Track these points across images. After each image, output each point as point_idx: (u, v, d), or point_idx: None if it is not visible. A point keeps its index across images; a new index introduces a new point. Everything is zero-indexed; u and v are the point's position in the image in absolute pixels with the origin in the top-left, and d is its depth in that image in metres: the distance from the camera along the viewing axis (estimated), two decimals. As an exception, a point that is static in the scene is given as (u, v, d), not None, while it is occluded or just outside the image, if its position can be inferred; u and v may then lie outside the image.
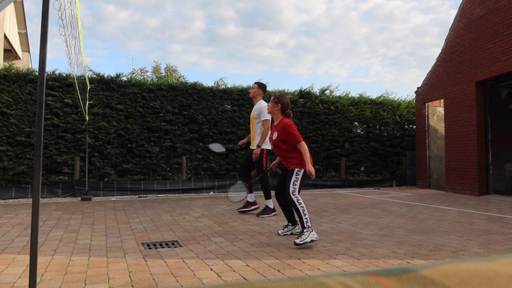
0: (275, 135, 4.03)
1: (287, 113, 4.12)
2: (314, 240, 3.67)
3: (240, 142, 6.02)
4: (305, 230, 3.67)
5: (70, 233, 4.23)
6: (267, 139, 5.62)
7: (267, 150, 5.66)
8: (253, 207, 5.84)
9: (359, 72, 58.63)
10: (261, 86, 5.89)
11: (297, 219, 4.04)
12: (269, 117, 5.57)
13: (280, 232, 4.27)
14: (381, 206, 6.67)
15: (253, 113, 5.78)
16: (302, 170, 3.88)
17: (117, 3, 53.84)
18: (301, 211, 3.71)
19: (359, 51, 56.71)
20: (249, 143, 6.02)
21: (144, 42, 48.12)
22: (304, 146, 3.85)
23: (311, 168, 3.79)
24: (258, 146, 5.60)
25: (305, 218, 3.71)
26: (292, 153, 3.94)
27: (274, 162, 4.72)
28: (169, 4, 55.98)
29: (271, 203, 5.63)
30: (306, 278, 0.29)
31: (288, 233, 4.26)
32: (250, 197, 5.89)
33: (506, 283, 0.27)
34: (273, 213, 5.58)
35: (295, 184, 3.84)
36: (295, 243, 3.64)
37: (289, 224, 4.31)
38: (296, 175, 3.87)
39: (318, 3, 64.70)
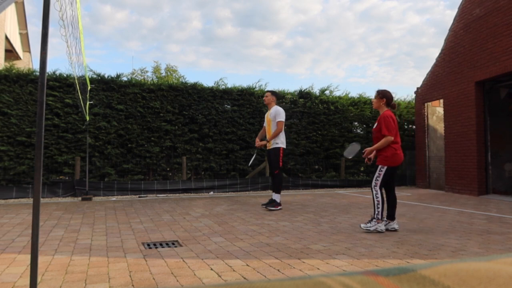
0: (375, 125, 4.52)
1: (392, 105, 4.62)
2: (379, 232, 4.21)
3: (257, 144, 6.39)
4: (374, 220, 4.29)
5: (71, 233, 4.23)
6: (283, 138, 6.18)
7: (283, 149, 6.18)
8: (279, 208, 6.19)
9: (357, 72, 58.66)
10: (274, 93, 6.46)
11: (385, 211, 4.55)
12: (283, 119, 6.12)
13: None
14: (381, 206, 6.66)
15: (270, 116, 6.28)
16: (385, 168, 4.32)
17: (114, 4, 53.78)
18: (375, 204, 4.34)
19: (356, 51, 56.72)
20: (266, 144, 6.49)
21: (141, 42, 48.08)
22: (385, 139, 4.29)
23: (368, 149, 4.43)
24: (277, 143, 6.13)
25: (378, 210, 4.29)
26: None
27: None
28: (166, 4, 55.90)
29: (279, 197, 6.15)
30: (306, 278, 0.29)
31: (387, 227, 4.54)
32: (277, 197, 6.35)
33: (505, 283, 0.28)
34: (279, 207, 6.06)
35: (377, 180, 4.36)
36: (360, 226, 4.35)
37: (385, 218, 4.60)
38: (379, 171, 4.36)
39: (314, 3, 64.67)
